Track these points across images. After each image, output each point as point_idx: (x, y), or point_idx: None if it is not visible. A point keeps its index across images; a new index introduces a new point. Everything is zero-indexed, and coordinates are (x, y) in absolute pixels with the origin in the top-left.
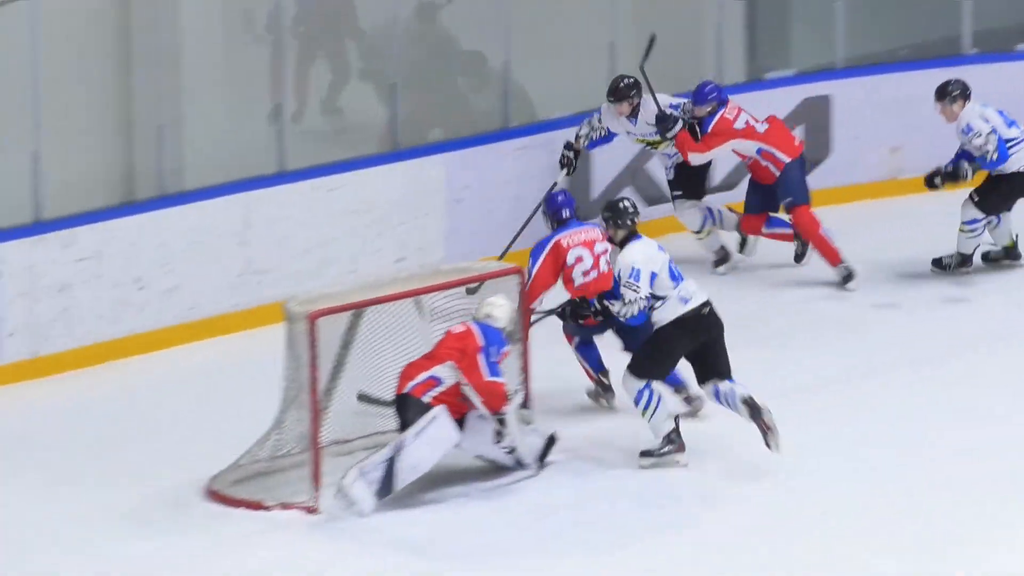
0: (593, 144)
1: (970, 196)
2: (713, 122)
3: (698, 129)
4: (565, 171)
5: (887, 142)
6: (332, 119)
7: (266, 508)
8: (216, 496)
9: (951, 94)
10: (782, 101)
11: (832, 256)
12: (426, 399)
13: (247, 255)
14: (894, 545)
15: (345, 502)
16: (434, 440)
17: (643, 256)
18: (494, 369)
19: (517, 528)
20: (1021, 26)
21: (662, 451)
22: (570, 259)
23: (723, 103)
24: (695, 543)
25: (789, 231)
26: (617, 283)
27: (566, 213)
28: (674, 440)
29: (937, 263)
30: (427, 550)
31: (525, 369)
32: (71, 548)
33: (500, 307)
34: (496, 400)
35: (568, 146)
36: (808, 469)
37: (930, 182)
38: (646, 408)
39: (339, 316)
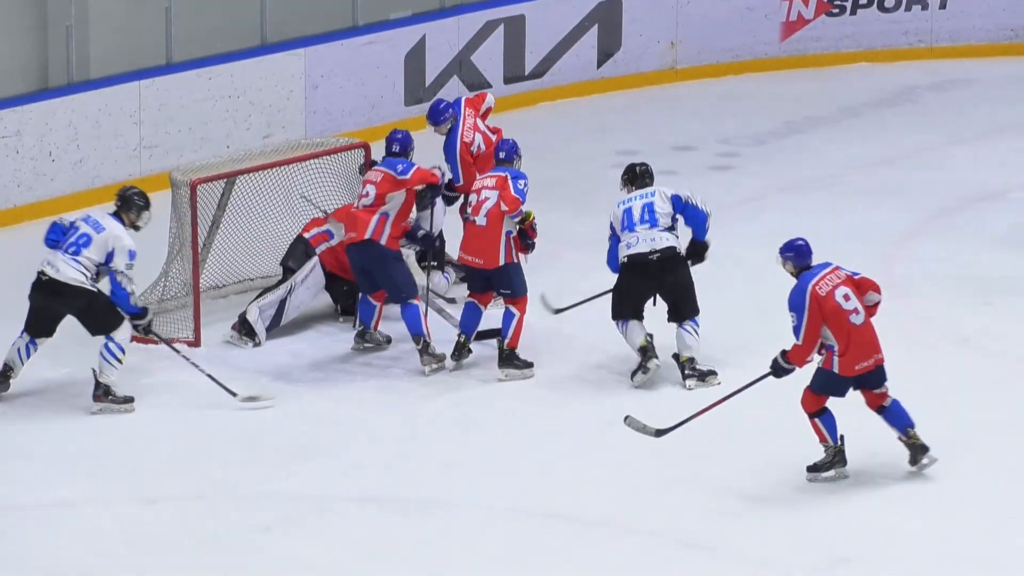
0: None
1: None
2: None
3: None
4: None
5: (666, 38)
6: (211, 18)
7: (155, 342)
8: None
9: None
10: (580, 5)
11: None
12: (318, 250)
13: (140, 133)
14: None
15: (245, 332)
16: (312, 285)
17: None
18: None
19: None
20: None
21: None
22: None
23: (457, 118)
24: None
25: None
26: None
27: None
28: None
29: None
30: (282, 375)
31: None
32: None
33: None
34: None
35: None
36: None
37: None
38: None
39: (216, 183)
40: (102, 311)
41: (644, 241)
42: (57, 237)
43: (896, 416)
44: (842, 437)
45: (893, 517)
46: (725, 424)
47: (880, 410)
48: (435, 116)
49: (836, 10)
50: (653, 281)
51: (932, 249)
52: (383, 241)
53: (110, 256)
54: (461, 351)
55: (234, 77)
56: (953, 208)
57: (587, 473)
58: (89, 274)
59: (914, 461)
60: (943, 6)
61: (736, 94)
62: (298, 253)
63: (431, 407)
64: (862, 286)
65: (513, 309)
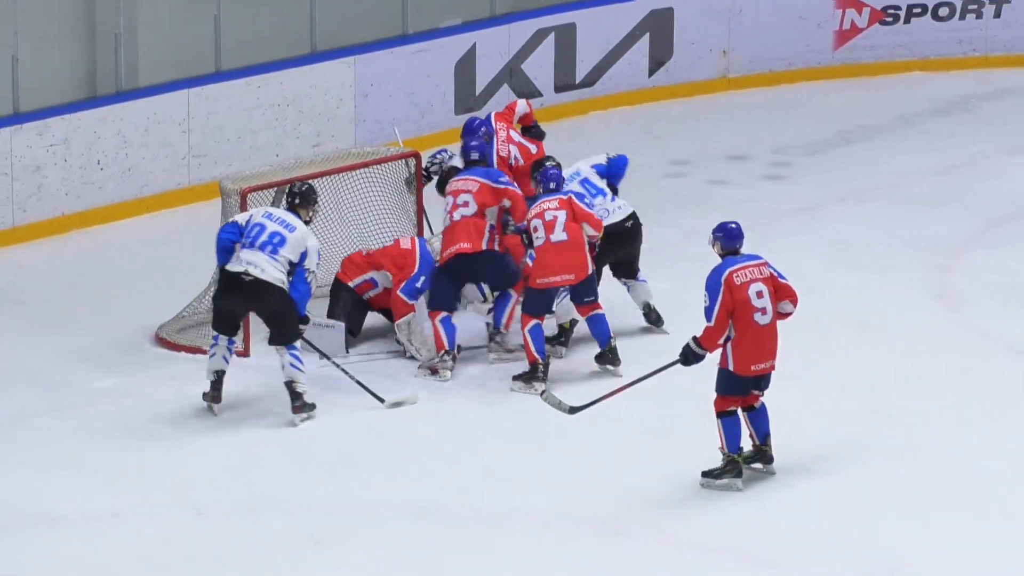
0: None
1: None
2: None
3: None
4: None
5: (718, 47)
6: (260, 26)
7: (203, 352)
8: (162, 341)
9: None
10: (631, 13)
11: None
12: (365, 296)
13: (189, 141)
14: None
15: None
16: (319, 340)
17: None
18: (411, 292)
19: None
20: None
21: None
22: None
23: (491, 136)
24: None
25: None
26: None
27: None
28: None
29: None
30: (332, 386)
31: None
32: (45, 383)
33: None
34: (396, 315)
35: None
36: None
37: None
38: None
39: (266, 192)
40: (292, 318)
41: (612, 212)
42: (235, 236)
43: (761, 420)
44: (741, 450)
45: (948, 530)
46: (776, 435)
47: (749, 408)
48: (470, 135)
49: (890, 19)
50: (615, 245)
51: (987, 259)
52: (495, 246)
53: (303, 256)
54: (547, 371)
55: (283, 85)
56: (1009, 218)
57: (636, 483)
58: (286, 272)
59: (754, 461)
60: (997, 15)
61: (789, 103)
62: (338, 310)
63: (482, 418)
64: (780, 291)
65: (598, 312)
